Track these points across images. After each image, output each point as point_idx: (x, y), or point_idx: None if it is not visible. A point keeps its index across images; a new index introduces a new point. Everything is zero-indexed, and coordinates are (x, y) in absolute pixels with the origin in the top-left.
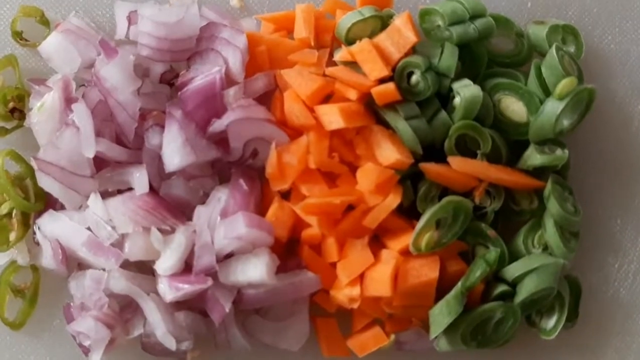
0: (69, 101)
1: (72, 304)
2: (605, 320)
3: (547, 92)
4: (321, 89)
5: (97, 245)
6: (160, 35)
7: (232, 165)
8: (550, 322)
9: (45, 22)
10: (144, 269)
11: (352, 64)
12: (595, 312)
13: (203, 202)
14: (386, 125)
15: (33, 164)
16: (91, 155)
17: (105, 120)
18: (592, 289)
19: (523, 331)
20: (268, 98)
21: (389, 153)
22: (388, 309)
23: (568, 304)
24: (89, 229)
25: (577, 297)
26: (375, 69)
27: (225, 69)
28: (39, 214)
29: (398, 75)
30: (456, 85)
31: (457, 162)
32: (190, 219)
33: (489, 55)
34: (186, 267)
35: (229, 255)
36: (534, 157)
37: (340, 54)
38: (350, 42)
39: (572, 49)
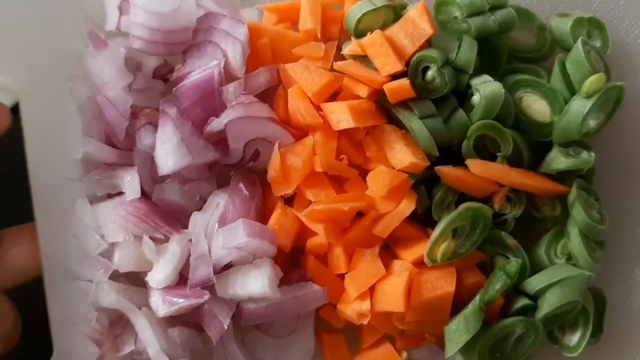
0: None
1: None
2: (631, 335)
3: (572, 90)
4: (329, 85)
5: (84, 254)
6: (154, 26)
7: (232, 168)
8: (574, 338)
9: None
10: (135, 280)
11: (363, 58)
12: (621, 326)
13: (199, 208)
14: (399, 125)
15: None
16: (78, 156)
17: (94, 119)
18: (617, 302)
19: (544, 348)
20: (271, 95)
21: (402, 155)
22: (400, 324)
23: (592, 319)
24: (75, 236)
25: (602, 311)
26: (388, 64)
27: (225, 63)
28: None
29: (412, 70)
30: (475, 82)
31: (476, 166)
32: (185, 226)
33: (509, 50)
34: (181, 279)
35: (228, 267)
36: (558, 160)
37: (350, 47)
38: (360, 34)
39: (597, 43)
